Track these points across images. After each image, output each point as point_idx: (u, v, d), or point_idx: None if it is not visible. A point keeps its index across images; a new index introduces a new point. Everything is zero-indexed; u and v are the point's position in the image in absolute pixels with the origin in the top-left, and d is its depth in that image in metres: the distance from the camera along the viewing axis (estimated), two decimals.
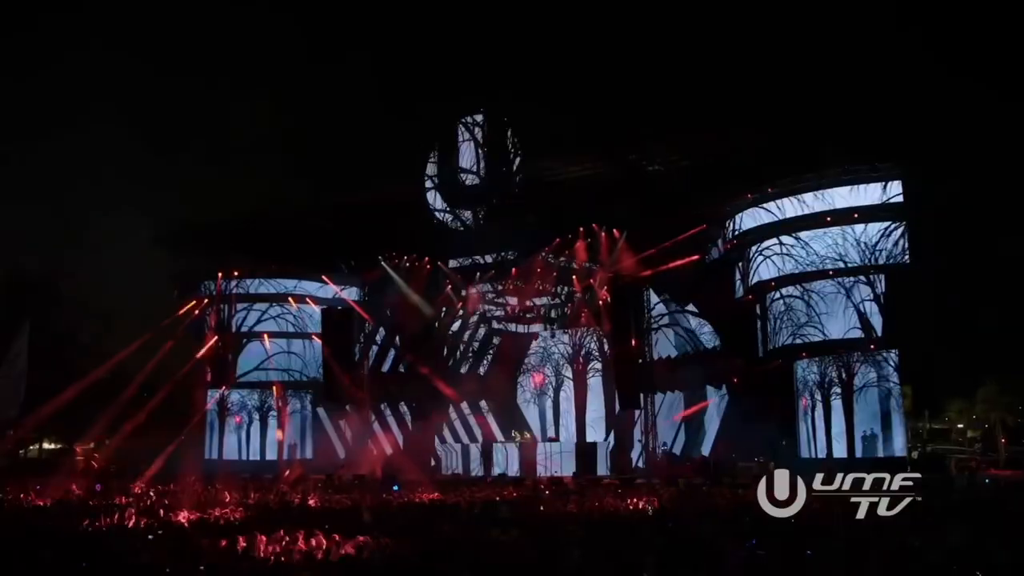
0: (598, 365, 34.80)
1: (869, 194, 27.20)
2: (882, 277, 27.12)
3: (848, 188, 27.48)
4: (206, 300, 36.96)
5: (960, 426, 33.06)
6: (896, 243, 26.88)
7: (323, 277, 37.38)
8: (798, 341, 28.62)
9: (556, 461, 30.50)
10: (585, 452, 31.55)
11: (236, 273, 36.77)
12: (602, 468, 30.89)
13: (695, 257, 31.84)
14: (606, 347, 34.08)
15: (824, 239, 27.87)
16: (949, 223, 26.31)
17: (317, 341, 36.74)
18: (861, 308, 27.30)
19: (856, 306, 27.40)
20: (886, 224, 27.04)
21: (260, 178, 37.08)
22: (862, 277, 27.38)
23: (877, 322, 27.33)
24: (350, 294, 38.15)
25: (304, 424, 37.85)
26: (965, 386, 28.65)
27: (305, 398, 37.88)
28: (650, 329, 32.98)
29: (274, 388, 37.00)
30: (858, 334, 27.45)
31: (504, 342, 36.26)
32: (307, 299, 37.32)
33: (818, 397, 28.39)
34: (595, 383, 34.85)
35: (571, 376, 35.39)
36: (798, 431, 28.89)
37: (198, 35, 37.12)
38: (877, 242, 27.11)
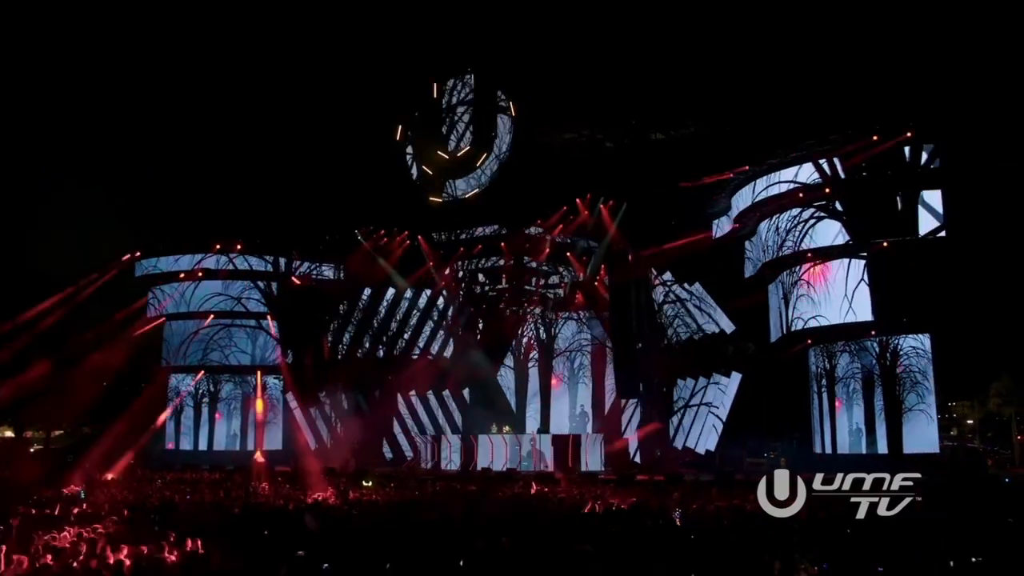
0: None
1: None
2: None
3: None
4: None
5: (970, 421, 32.66)
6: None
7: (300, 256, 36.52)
8: (810, 325, 27.60)
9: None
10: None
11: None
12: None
13: (702, 233, 30.98)
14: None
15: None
16: (980, 194, 25.20)
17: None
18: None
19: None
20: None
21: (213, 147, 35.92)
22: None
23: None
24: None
25: (246, 412, 36.94)
26: (976, 379, 27.99)
27: (248, 383, 37.00)
28: (653, 311, 32.05)
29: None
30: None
31: (490, 325, 35.24)
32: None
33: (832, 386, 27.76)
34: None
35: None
36: (812, 424, 28.26)
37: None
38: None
